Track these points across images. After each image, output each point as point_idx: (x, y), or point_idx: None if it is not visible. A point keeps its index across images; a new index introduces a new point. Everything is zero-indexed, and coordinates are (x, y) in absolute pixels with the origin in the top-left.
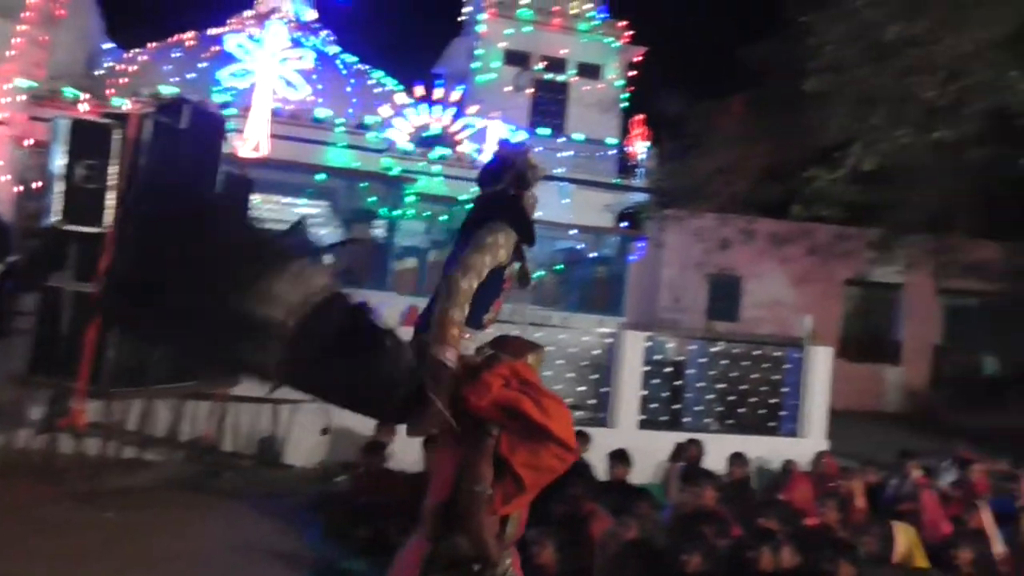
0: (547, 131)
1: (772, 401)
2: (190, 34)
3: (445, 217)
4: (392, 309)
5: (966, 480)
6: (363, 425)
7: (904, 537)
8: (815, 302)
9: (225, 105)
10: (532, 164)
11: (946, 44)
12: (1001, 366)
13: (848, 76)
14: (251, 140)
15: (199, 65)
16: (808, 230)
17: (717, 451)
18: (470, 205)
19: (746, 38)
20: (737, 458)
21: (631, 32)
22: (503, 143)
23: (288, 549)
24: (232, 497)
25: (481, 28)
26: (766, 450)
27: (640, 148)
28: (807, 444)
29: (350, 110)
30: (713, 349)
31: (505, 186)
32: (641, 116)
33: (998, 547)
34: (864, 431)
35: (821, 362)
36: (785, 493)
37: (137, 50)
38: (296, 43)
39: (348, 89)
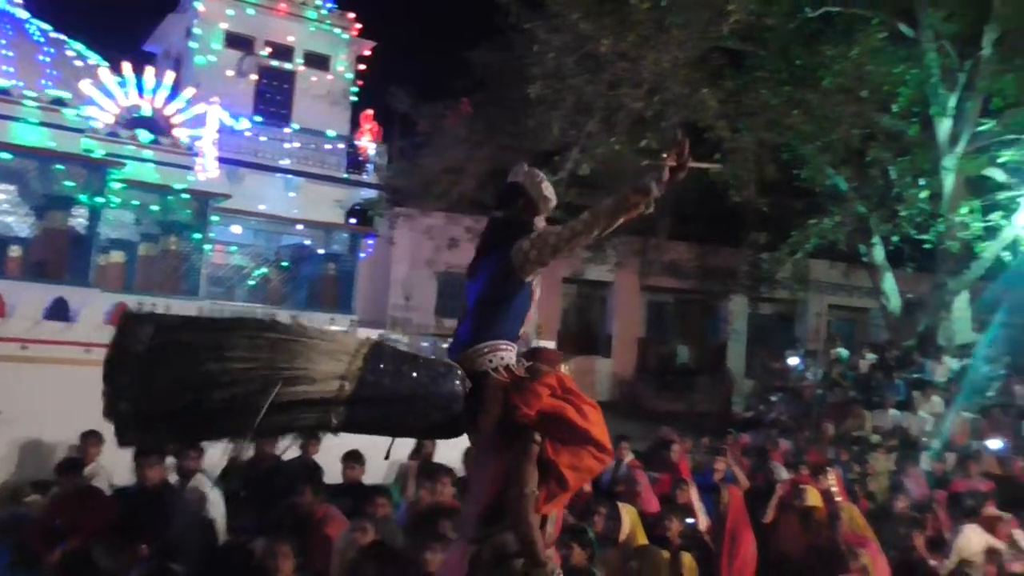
0: (271, 120)
1: None
2: None
3: (156, 207)
4: (94, 307)
5: (669, 459)
6: (56, 437)
7: (628, 516)
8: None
9: None
10: (545, 196)
11: (649, 60)
12: (692, 355)
13: (566, 84)
14: None
15: None
16: None
17: (453, 445)
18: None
19: (474, 41)
20: (469, 452)
21: (360, 25)
22: (519, 169)
23: None
24: None
25: (199, 6)
26: None
27: (370, 144)
28: None
29: (45, 82)
30: (443, 346)
31: (517, 212)
32: (370, 111)
33: (703, 519)
34: None
35: None
36: None
37: None
38: None
39: (42, 59)
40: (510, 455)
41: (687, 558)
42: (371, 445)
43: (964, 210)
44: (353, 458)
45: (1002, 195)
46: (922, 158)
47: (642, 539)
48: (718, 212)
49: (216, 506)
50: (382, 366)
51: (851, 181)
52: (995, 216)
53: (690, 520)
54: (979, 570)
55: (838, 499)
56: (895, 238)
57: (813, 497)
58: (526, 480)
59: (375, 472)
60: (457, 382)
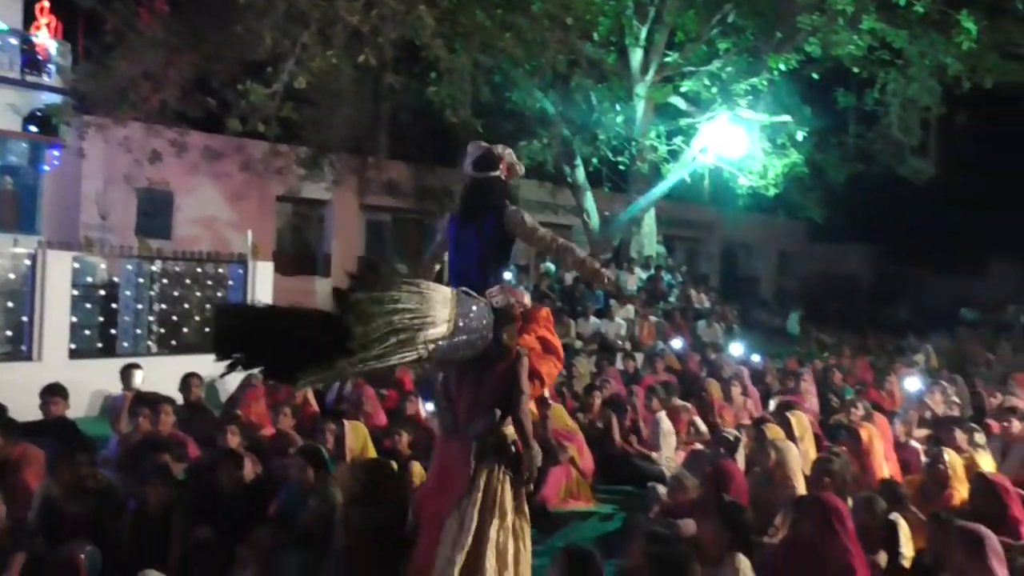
0: None
1: None
2: None
3: None
4: None
5: (393, 375)
6: None
7: (355, 433)
8: (250, 218)
9: None
10: (516, 161)
11: None
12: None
13: None
14: None
15: None
16: (241, 145)
17: (163, 374)
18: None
19: None
20: (190, 379)
21: None
22: (476, 146)
23: None
24: None
25: None
26: (215, 368)
27: (48, 41)
28: None
29: None
30: (151, 268)
31: (499, 173)
32: (46, 2)
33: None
34: None
35: (263, 277)
36: (243, 408)
37: None
38: None
39: None
40: (510, 369)
41: (416, 467)
42: (73, 379)
43: (653, 135)
44: (53, 392)
45: (684, 121)
46: (618, 85)
47: (371, 454)
48: (435, 132)
49: None
50: (465, 309)
51: (557, 105)
52: (678, 141)
53: (430, 407)
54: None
55: (548, 400)
56: (595, 160)
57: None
58: (525, 384)
59: (78, 407)
60: (492, 317)
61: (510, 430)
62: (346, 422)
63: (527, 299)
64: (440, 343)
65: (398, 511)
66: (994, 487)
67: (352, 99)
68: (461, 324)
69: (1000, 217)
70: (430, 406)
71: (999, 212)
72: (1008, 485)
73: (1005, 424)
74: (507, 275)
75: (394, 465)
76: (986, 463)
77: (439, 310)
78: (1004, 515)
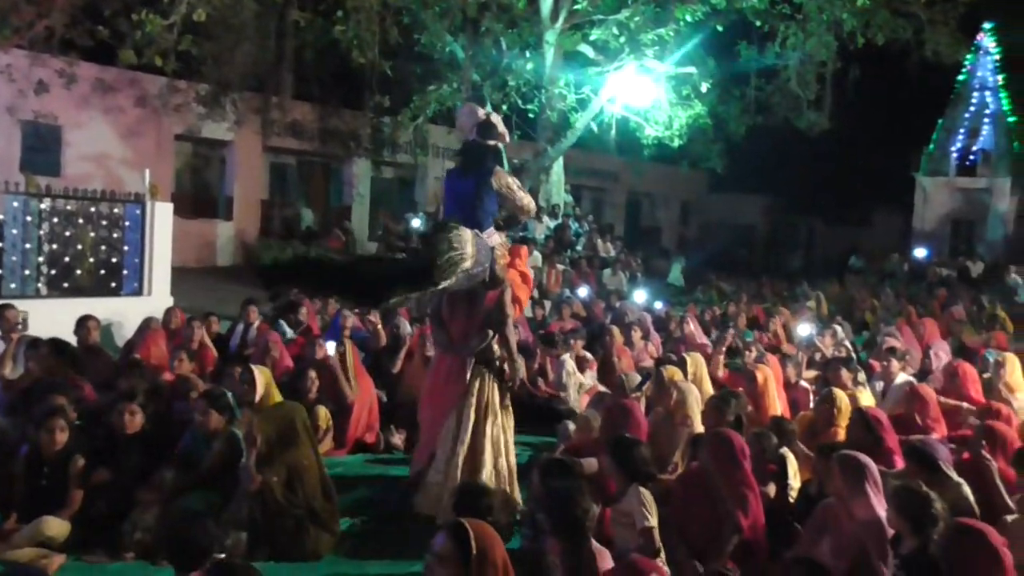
0: None
1: (113, 260)
2: None
3: None
4: None
5: (299, 320)
6: None
7: (262, 377)
8: (146, 157)
9: None
10: (505, 131)
11: None
12: (316, 218)
13: None
14: None
15: None
16: (136, 79)
17: (54, 317)
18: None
19: None
20: (87, 321)
21: None
22: (474, 110)
23: None
24: None
25: None
26: (111, 311)
27: None
28: (152, 302)
29: None
30: (39, 206)
31: (495, 141)
32: None
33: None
34: (201, 285)
35: (162, 218)
36: (142, 352)
37: None
38: None
39: None
40: (498, 296)
41: (322, 411)
42: None
43: (562, 83)
44: None
45: (592, 70)
46: (528, 32)
47: (277, 398)
48: (341, 73)
49: None
50: (479, 246)
51: (467, 49)
52: (586, 90)
53: (331, 348)
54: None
55: None
56: (504, 107)
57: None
58: (509, 308)
59: None
60: (490, 254)
61: (495, 346)
62: (253, 366)
63: (498, 238)
64: (468, 272)
65: (312, 453)
66: (869, 420)
67: (255, 35)
68: (477, 258)
69: (884, 170)
70: (331, 347)
71: (884, 165)
72: (882, 418)
73: (884, 364)
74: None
75: (301, 408)
76: (866, 399)
77: (468, 247)
78: (879, 447)
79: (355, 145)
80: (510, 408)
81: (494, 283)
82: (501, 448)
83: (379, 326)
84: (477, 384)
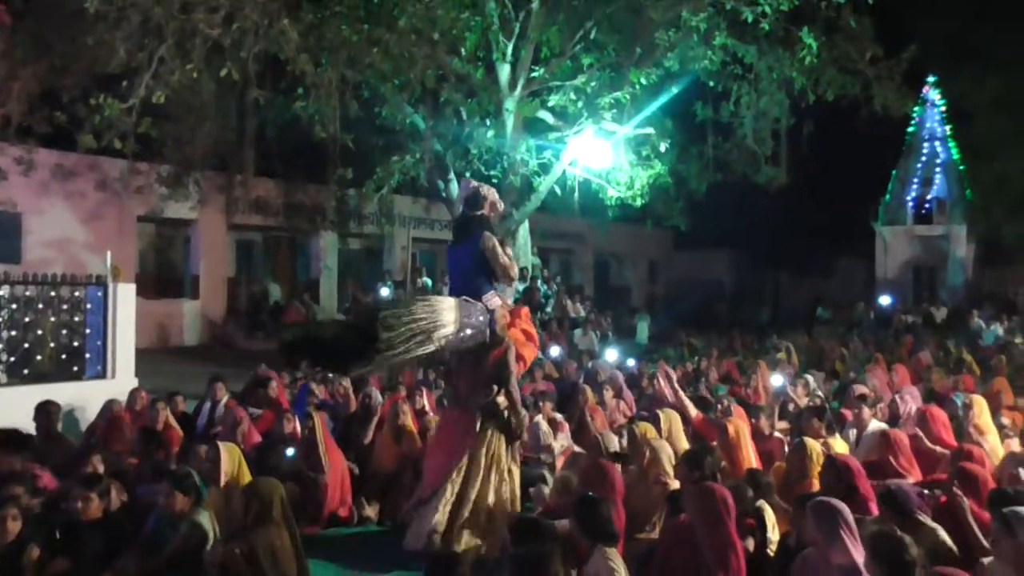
0: None
1: (75, 344)
2: None
3: None
4: None
5: (268, 396)
6: None
7: (229, 455)
8: (108, 240)
9: None
10: (498, 200)
11: None
12: (284, 293)
13: (129, 2)
14: None
15: None
16: (96, 164)
17: (15, 404)
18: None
19: None
20: (47, 407)
21: None
22: (467, 184)
23: None
24: None
25: None
26: (73, 396)
27: None
28: (116, 385)
29: None
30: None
31: (484, 211)
32: None
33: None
34: (167, 365)
35: (125, 300)
36: (103, 435)
37: None
38: None
39: None
40: (501, 354)
41: (290, 485)
42: None
43: (523, 149)
44: None
45: (552, 135)
46: (487, 100)
47: (247, 475)
48: (303, 148)
49: None
50: (466, 312)
51: (428, 120)
52: (547, 154)
53: (289, 451)
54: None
55: (428, 415)
56: (468, 174)
57: (406, 417)
58: (513, 366)
59: None
60: (488, 317)
61: (500, 400)
62: (220, 444)
63: (510, 300)
64: (450, 338)
65: (286, 534)
66: (839, 467)
67: (215, 114)
68: (464, 322)
69: (844, 221)
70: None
71: (843, 216)
72: (853, 464)
73: (856, 411)
74: (508, 288)
75: (280, 486)
76: (839, 447)
77: (446, 315)
78: (854, 495)
79: (320, 218)
80: (518, 458)
81: (495, 342)
82: (505, 499)
83: (350, 391)
84: (486, 438)
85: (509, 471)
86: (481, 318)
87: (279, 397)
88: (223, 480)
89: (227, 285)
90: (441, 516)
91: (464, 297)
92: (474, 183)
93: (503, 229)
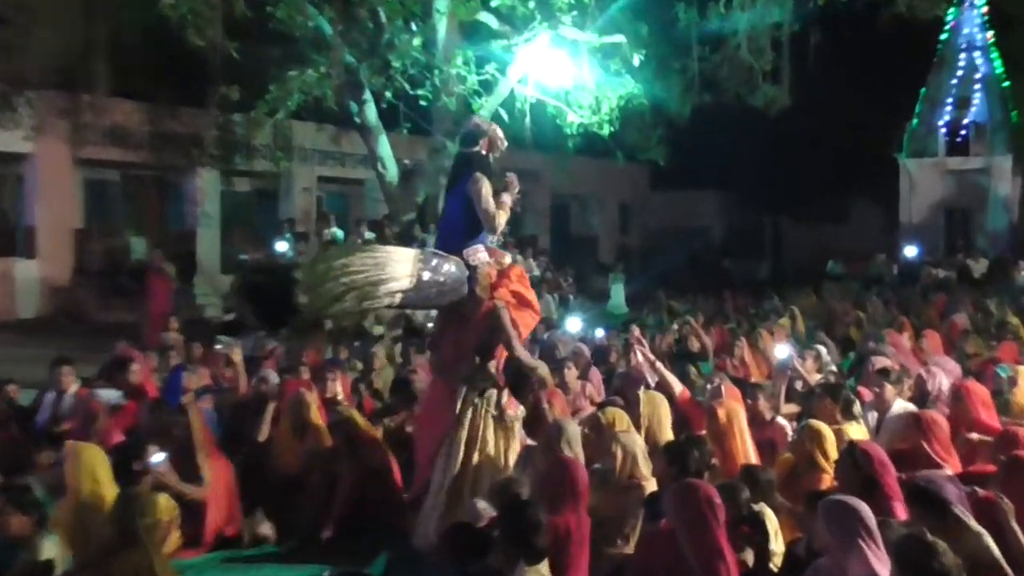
0: None
1: None
2: None
3: None
4: None
5: (129, 381)
6: None
7: (83, 460)
8: None
9: None
10: (500, 137)
11: None
12: (150, 248)
13: None
14: None
15: None
16: None
17: None
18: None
19: None
20: None
21: None
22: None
23: None
24: None
25: None
26: None
27: None
28: None
29: None
30: None
31: (480, 148)
32: None
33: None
34: None
35: None
36: None
37: None
38: None
39: None
40: (486, 319)
41: (163, 500)
42: None
43: (459, 61)
44: None
45: (497, 44)
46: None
47: (109, 485)
48: (173, 60)
49: None
50: (430, 265)
51: (336, 24)
52: (490, 69)
53: (156, 457)
54: None
55: (341, 404)
56: (389, 94)
57: (311, 409)
58: (510, 328)
59: None
60: (467, 273)
61: (489, 367)
62: (69, 446)
63: (507, 259)
64: (408, 293)
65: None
66: (859, 457)
67: (57, 17)
68: (426, 277)
69: (860, 153)
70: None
71: (859, 147)
72: (876, 453)
73: (876, 390)
74: (491, 238)
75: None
76: (856, 433)
77: (397, 268)
78: (874, 490)
79: (197, 152)
80: (514, 429)
81: (474, 303)
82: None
83: (241, 372)
84: (469, 413)
85: (500, 448)
86: (454, 270)
87: (143, 382)
88: (76, 492)
89: (74, 239)
90: (431, 509)
91: (430, 249)
92: (476, 118)
93: (435, 164)
